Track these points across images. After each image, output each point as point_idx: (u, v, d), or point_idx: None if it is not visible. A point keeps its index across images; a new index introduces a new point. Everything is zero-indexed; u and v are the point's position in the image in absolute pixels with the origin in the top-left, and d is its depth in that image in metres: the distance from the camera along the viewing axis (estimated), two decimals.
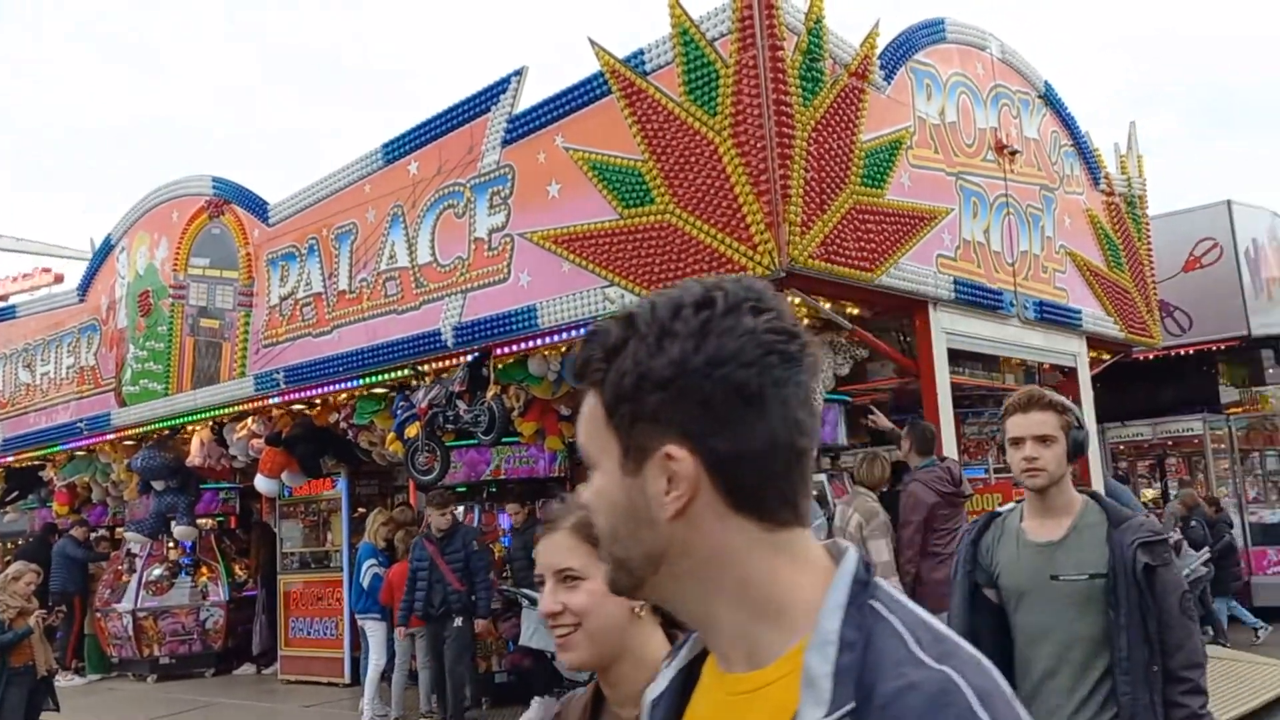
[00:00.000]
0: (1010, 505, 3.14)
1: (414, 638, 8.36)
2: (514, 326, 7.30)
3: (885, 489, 6.53)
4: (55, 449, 12.41)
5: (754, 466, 0.97)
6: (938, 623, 0.97)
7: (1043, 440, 2.81)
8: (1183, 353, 12.38)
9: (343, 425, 9.41)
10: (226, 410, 10.03)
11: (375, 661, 8.45)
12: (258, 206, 9.69)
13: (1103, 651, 2.75)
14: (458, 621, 7.72)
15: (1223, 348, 12.35)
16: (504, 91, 7.49)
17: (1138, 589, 2.69)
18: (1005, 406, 2.96)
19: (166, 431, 10.92)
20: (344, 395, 8.96)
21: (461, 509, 9.20)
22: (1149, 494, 13.64)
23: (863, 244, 6.52)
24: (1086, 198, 9.39)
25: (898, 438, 6.67)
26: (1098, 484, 9.02)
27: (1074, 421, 2.87)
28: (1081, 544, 2.81)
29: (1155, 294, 10.28)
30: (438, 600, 7.76)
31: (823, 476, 7.53)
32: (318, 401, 9.30)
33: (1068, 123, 9.28)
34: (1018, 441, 2.85)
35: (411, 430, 8.28)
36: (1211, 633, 10.74)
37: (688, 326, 0.97)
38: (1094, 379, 9.64)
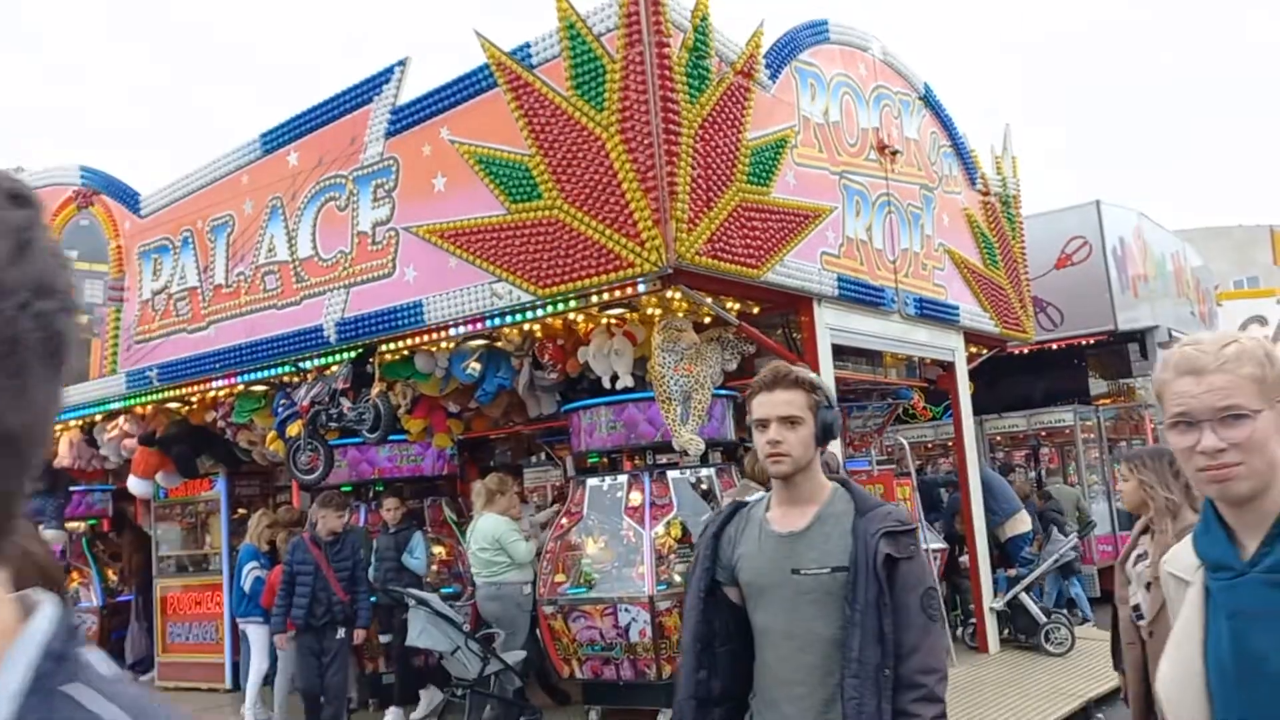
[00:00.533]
0: (760, 494, 2.90)
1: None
2: (399, 322, 7.17)
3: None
4: None
5: None
6: (169, 711, 0.69)
7: (789, 422, 2.54)
8: (1055, 347, 12.94)
9: (221, 424, 9.10)
10: (97, 409, 9.58)
11: (257, 666, 8.20)
12: (128, 197, 9.28)
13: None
14: (341, 633, 7.26)
15: (1092, 342, 12.95)
16: (387, 82, 7.33)
17: (877, 583, 2.42)
18: (751, 386, 2.67)
19: None
20: (222, 393, 8.66)
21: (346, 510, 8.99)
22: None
23: (749, 241, 6.60)
24: (964, 197, 9.71)
25: None
26: (973, 475, 9.37)
27: (823, 400, 2.61)
28: (826, 534, 2.54)
29: (1029, 290, 10.70)
30: (321, 610, 7.19)
31: (710, 471, 7.60)
32: (194, 400, 8.96)
33: (946, 124, 9.57)
34: (762, 424, 2.57)
35: (293, 429, 8.05)
36: (1082, 616, 11.27)
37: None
38: (972, 373, 9.99)
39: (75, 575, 11.84)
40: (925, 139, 9.19)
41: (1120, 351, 13.45)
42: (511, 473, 10.31)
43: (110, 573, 12.16)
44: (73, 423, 9.97)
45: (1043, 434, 13.99)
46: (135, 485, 9.78)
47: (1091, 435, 13.64)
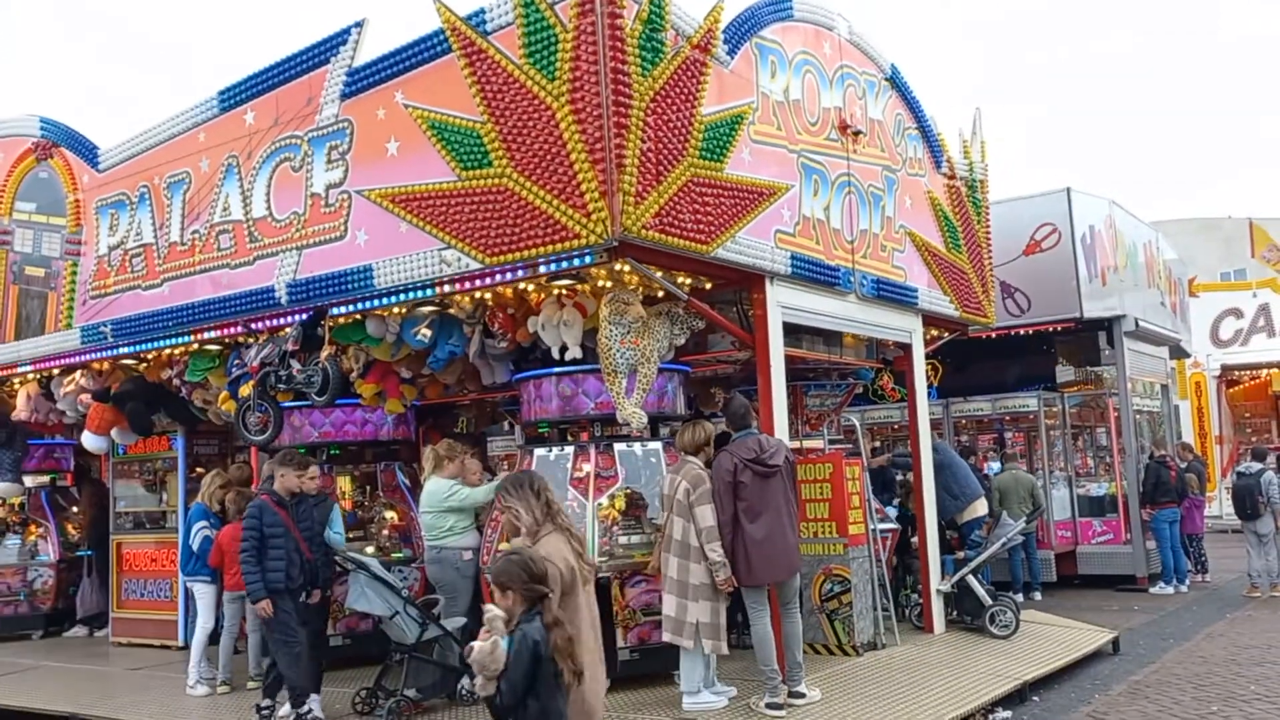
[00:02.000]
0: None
1: (243, 601, 8.17)
2: (350, 286, 7.16)
3: (704, 454, 6.66)
4: None
5: None
6: None
7: None
8: (1023, 333, 12.99)
9: (175, 382, 9.09)
10: (54, 364, 9.55)
11: (203, 624, 8.22)
12: (88, 151, 9.20)
13: None
14: (316, 596, 7.02)
15: (1059, 329, 13.01)
16: (343, 43, 7.27)
17: None
18: None
19: None
20: (176, 351, 8.64)
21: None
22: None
23: (699, 217, 6.59)
24: (928, 180, 9.70)
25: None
26: (926, 457, 9.42)
27: None
28: None
29: (993, 276, 10.71)
30: (295, 572, 6.83)
31: (658, 444, 7.63)
32: (149, 357, 8.94)
33: (912, 106, 9.54)
34: None
35: (245, 389, 8.05)
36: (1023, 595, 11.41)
37: None
38: (937, 355, 10.04)
39: (33, 528, 11.86)
40: (890, 120, 9.17)
41: (1089, 339, 13.52)
42: (474, 441, 10.31)
43: (70, 527, 12.18)
44: (30, 375, 9.94)
45: (1007, 419, 14.08)
46: (90, 441, 9.77)
47: (1056, 421, 13.73)
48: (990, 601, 8.90)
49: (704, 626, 6.31)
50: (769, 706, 6.34)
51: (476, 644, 3.53)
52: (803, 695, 6.44)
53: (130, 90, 76.04)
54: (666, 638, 6.47)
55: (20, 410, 10.29)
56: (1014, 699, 7.25)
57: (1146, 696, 7.40)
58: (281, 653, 6.81)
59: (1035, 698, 7.44)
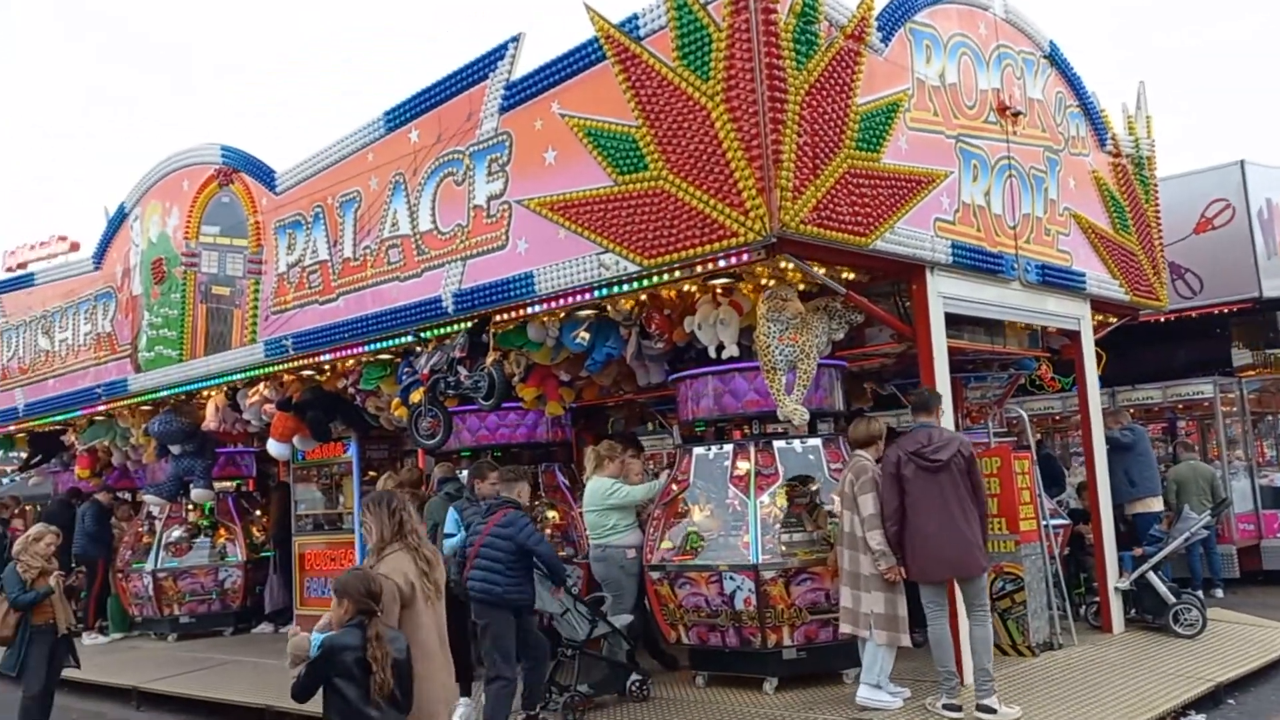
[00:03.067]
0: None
1: None
2: (512, 293, 7.38)
3: (874, 448, 6.68)
4: (75, 414, 12.66)
5: None
6: None
7: None
8: (1194, 315, 12.29)
9: (350, 390, 9.56)
10: (239, 376, 10.19)
11: None
12: (265, 175, 9.78)
13: None
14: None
15: (1234, 310, 12.25)
16: (501, 58, 7.50)
17: None
18: None
19: (182, 397, 11.12)
20: (350, 361, 9.09)
21: (466, 473, 9.35)
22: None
23: (857, 209, 6.52)
24: (1092, 159, 9.31)
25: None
26: (1099, 448, 9.05)
27: None
28: None
29: (1163, 256, 10.19)
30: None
31: (817, 441, 7.58)
32: (326, 367, 9.44)
33: (1073, 83, 9.18)
34: None
35: (415, 396, 8.41)
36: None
37: None
38: (1102, 342, 9.62)
39: (222, 531, 12.66)
40: (1050, 99, 8.84)
41: (1268, 320, 12.69)
42: (630, 441, 10.44)
43: (254, 529, 12.97)
44: (218, 389, 10.63)
45: (1179, 407, 13.32)
46: (274, 448, 10.38)
47: (1234, 408, 12.93)
48: (1174, 599, 8.48)
49: (877, 617, 6.24)
50: (946, 708, 6.20)
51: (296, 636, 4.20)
52: (992, 711, 6.08)
53: (130, 90, 79.77)
54: (844, 630, 6.44)
55: (209, 420, 11.01)
56: (1207, 702, 6.88)
57: None
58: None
59: (1230, 700, 7.05)
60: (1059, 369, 12.23)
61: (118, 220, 11.94)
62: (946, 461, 6.21)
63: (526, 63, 7.42)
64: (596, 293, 7.03)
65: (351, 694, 4.01)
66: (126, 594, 12.71)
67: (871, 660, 6.37)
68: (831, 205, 6.33)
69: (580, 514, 9.04)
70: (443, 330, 8.06)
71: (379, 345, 8.58)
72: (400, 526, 4.54)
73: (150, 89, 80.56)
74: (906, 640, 6.33)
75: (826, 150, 6.36)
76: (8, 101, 74.94)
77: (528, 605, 6.49)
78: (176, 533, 12.61)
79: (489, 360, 7.80)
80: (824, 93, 6.39)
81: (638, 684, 7.24)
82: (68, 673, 7.96)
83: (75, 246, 13.21)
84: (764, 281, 6.87)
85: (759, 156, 6.02)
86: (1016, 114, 8.23)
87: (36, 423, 13.58)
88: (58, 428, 13.58)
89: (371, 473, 10.78)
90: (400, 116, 8.30)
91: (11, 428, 14.14)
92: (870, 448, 6.65)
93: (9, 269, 13.97)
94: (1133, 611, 8.84)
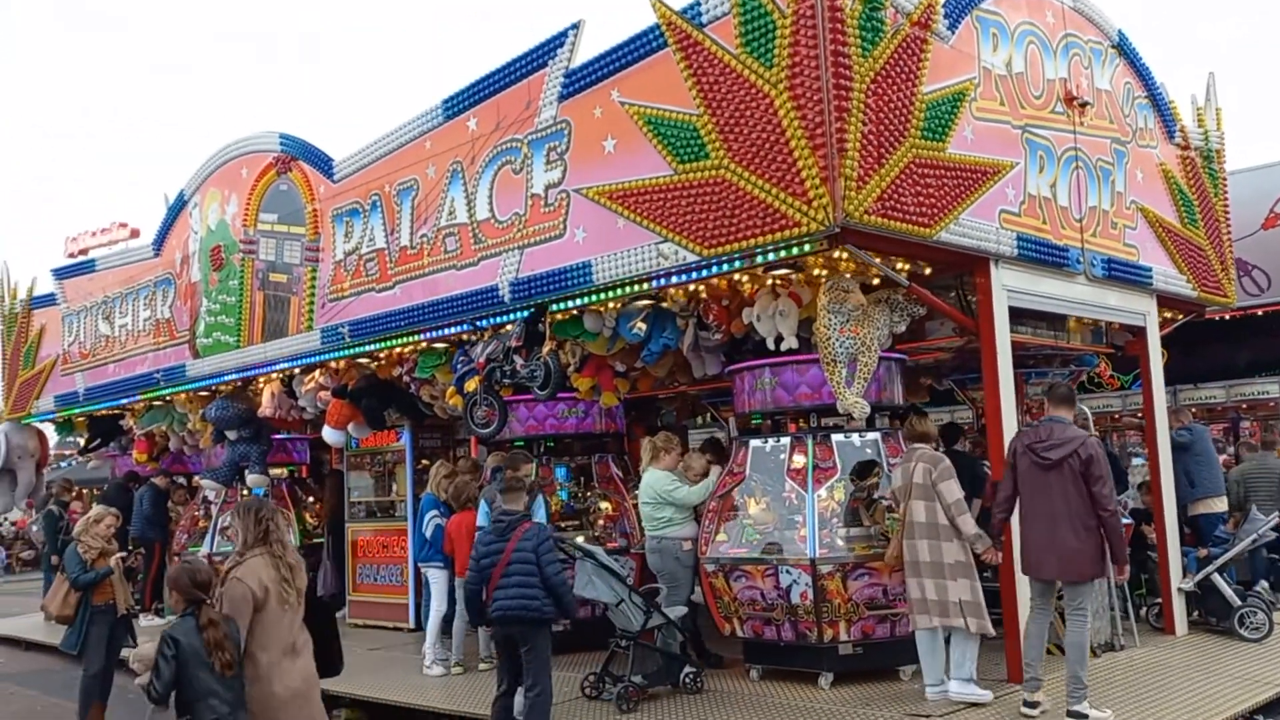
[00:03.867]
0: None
1: None
2: (569, 282, 7.36)
3: (930, 443, 6.69)
4: (134, 399, 12.86)
5: None
6: None
7: None
8: (1260, 313, 11.97)
9: (405, 379, 9.61)
10: (296, 363, 10.28)
11: (437, 608, 8.67)
12: (323, 163, 9.85)
13: None
14: None
15: None
16: (561, 45, 7.48)
17: None
18: None
19: (239, 383, 11.26)
20: (406, 349, 9.13)
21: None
22: None
23: (921, 199, 6.41)
24: (1161, 152, 9.09)
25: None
26: (1164, 447, 8.84)
27: None
28: None
29: (1231, 252, 9.93)
30: None
31: (876, 435, 7.48)
32: (381, 356, 9.49)
33: (1142, 73, 8.96)
34: None
35: (470, 384, 8.43)
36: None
37: None
38: (1165, 339, 9.39)
39: None
40: (1119, 90, 8.64)
41: None
42: (677, 433, 10.46)
43: (307, 515, 13.10)
44: (274, 375, 10.75)
45: (1244, 406, 13.03)
46: (329, 435, 10.47)
47: None
48: (1239, 601, 8.26)
49: (967, 605, 6.21)
50: (1026, 704, 6.13)
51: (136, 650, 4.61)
52: (1083, 716, 5.87)
53: (131, 90, 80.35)
54: (931, 623, 6.31)
55: (265, 407, 11.13)
56: (1275, 708, 6.69)
57: None
58: None
59: None
60: (1118, 366, 11.95)
61: (177, 207, 12.10)
62: (1058, 461, 6.00)
63: (586, 50, 7.40)
64: (654, 283, 6.98)
65: (202, 675, 4.27)
66: None
67: (962, 653, 6.31)
68: (896, 195, 6.23)
69: (634, 505, 9.03)
70: (499, 319, 8.06)
71: (436, 334, 8.60)
72: (265, 534, 4.74)
73: (151, 88, 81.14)
74: (990, 628, 6.28)
75: (892, 139, 6.26)
76: (8, 102, 76.20)
77: (554, 617, 6.27)
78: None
79: (545, 350, 7.79)
80: (889, 80, 6.29)
81: (691, 676, 7.21)
82: (126, 651, 8.09)
83: (135, 233, 13.40)
84: (815, 272, 6.78)
85: (823, 145, 5.94)
86: (1084, 104, 8.05)
87: (95, 408, 13.81)
88: (116, 412, 13.81)
89: (424, 461, 10.84)
90: (458, 105, 8.30)
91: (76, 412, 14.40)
92: (926, 443, 6.64)
93: (70, 255, 14.22)
94: (1195, 614, 8.64)
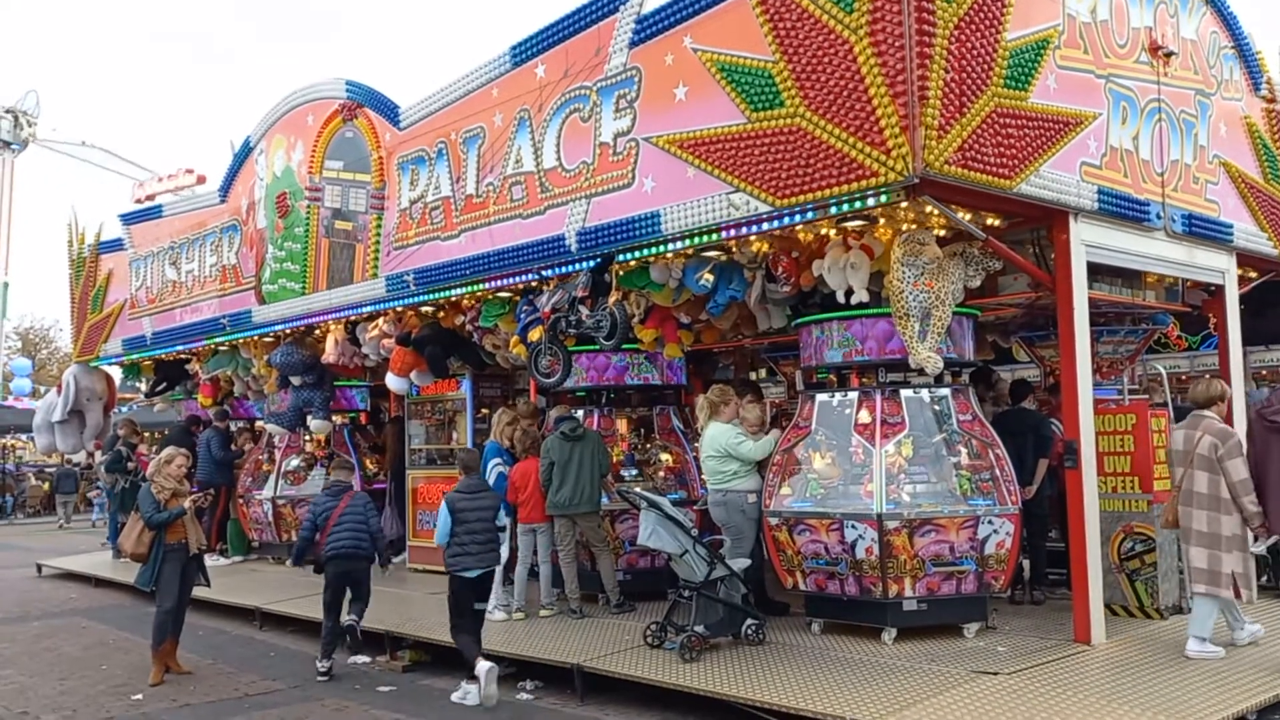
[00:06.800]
0: None
1: (535, 534, 8.67)
2: (637, 233, 7.31)
3: (1216, 408, 6.75)
4: (200, 344, 13.09)
5: None
6: None
7: None
8: None
9: (469, 328, 9.65)
10: (361, 310, 10.37)
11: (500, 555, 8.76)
12: (389, 110, 9.85)
13: None
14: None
15: None
16: None
17: None
18: None
19: (303, 329, 11.40)
20: (470, 298, 9.16)
21: (582, 412, 9.40)
22: None
23: (1002, 150, 6.25)
24: (1245, 104, 8.77)
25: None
26: (1239, 410, 8.64)
27: None
28: None
29: None
30: None
31: (947, 391, 7.39)
32: (445, 304, 9.54)
33: (1229, 23, 8.63)
34: None
35: (534, 334, 8.45)
36: None
37: None
38: (1240, 299, 9.14)
39: None
40: (1205, 39, 8.33)
41: None
42: (749, 387, 10.32)
43: (369, 462, 13.30)
44: (339, 322, 10.87)
45: None
46: (393, 382, 10.59)
47: None
48: None
49: (1240, 577, 6.43)
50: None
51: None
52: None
53: (130, 88, 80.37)
54: (1200, 590, 6.50)
55: (329, 354, 11.28)
56: None
57: None
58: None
59: None
60: (1185, 326, 11.67)
61: (243, 154, 12.21)
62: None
63: None
64: (725, 234, 6.91)
65: None
66: (247, 519, 13.22)
67: (1206, 616, 6.51)
68: (977, 146, 6.08)
69: (695, 458, 9.04)
70: (565, 269, 8.05)
71: (501, 283, 8.61)
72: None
73: (150, 87, 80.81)
74: (1255, 596, 6.77)
75: (974, 87, 6.09)
76: (5, 91, 76.58)
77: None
78: (295, 462, 13.04)
79: (611, 300, 7.76)
80: (973, 27, 6.11)
81: (753, 628, 7.24)
82: (198, 590, 8.32)
83: (202, 179, 13.60)
84: (900, 225, 6.66)
85: (904, 93, 5.80)
86: (1169, 54, 7.77)
87: (162, 351, 14.07)
88: (183, 356, 14.08)
89: (484, 410, 10.92)
90: (526, 51, 8.23)
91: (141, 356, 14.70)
92: (1213, 408, 6.68)
93: (138, 200, 14.44)
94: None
